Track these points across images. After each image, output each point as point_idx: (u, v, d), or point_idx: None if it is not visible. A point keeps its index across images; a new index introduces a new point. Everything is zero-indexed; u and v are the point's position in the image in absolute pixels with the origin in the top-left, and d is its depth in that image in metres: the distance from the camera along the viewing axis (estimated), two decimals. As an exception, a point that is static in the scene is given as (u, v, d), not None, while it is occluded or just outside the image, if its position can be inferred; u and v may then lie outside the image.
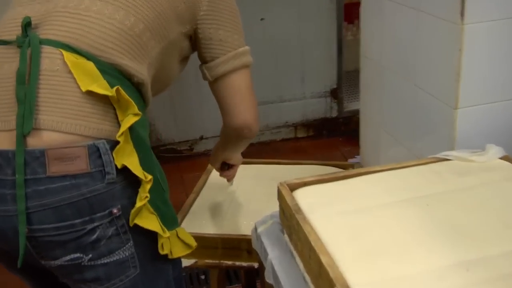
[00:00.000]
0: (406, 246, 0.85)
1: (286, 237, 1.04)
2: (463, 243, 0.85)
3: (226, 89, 1.11)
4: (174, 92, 2.87)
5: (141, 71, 0.99)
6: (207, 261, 1.40)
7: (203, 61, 1.13)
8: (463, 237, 0.86)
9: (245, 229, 1.42)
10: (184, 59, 1.17)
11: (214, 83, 1.12)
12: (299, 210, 0.97)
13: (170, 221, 1.01)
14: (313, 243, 0.86)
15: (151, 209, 0.95)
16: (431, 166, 1.10)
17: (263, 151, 3.00)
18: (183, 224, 1.45)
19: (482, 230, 0.88)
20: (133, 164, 0.90)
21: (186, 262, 1.40)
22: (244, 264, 1.39)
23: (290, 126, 3.19)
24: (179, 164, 3.01)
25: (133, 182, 0.93)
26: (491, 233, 0.87)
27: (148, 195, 0.92)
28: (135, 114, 0.91)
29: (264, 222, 1.13)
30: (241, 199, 1.56)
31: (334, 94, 3.16)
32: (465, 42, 1.10)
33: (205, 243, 1.39)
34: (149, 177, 0.92)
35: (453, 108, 1.16)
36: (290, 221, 1.00)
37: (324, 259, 0.81)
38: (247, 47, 1.13)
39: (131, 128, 0.91)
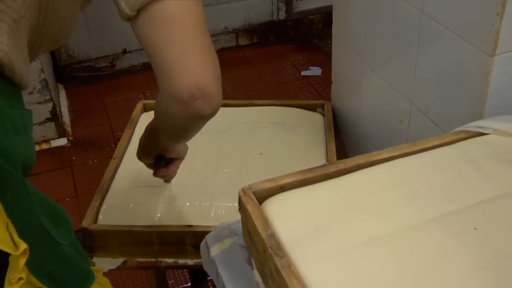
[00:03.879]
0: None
1: (256, 274, 0.71)
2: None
3: (156, 28, 0.65)
4: (84, -4, 2.36)
5: None
6: (139, 259, 1.07)
7: None
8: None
9: (188, 214, 1.09)
10: None
11: (137, 21, 0.67)
12: (278, 247, 0.63)
13: (76, 282, 0.66)
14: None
15: (37, 283, 0.59)
16: (461, 147, 0.77)
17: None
18: (102, 213, 1.08)
19: None
20: None
21: (111, 264, 1.07)
22: (190, 262, 1.07)
23: (231, 32, 2.78)
24: (99, 85, 2.59)
25: None
26: None
27: (23, 274, 0.56)
28: None
29: (220, 240, 0.79)
30: (180, 167, 1.19)
31: (282, -9, 2.73)
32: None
33: (135, 238, 1.06)
34: (22, 246, 0.55)
35: (489, 55, 0.81)
36: (263, 258, 0.66)
37: None
38: None
39: None
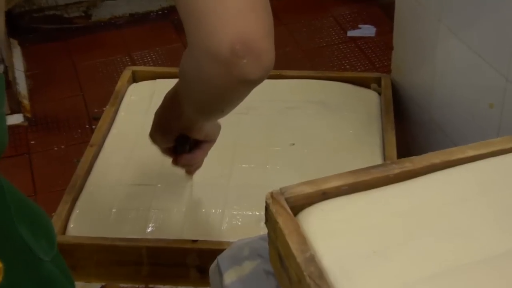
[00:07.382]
0: None
1: (287, 311, 0.72)
2: None
3: None
4: None
5: None
6: (123, 285, 1.13)
7: None
8: None
9: (192, 225, 1.12)
10: None
11: None
12: (319, 276, 0.65)
13: None
14: None
15: None
16: None
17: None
18: (73, 220, 1.11)
19: None
20: None
21: (86, 289, 1.10)
22: (192, 290, 1.11)
23: (251, -26, 2.78)
24: (69, 43, 2.63)
25: None
26: None
27: None
28: None
29: (237, 262, 0.82)
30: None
31: None
32: None
33: (118, 255, 1.09)
34: None
35: None
36: (298, 290, 0.67)
37: None
38: None
39: None
